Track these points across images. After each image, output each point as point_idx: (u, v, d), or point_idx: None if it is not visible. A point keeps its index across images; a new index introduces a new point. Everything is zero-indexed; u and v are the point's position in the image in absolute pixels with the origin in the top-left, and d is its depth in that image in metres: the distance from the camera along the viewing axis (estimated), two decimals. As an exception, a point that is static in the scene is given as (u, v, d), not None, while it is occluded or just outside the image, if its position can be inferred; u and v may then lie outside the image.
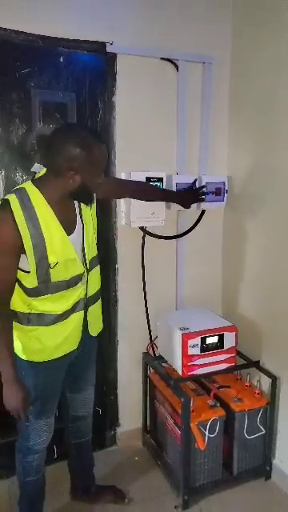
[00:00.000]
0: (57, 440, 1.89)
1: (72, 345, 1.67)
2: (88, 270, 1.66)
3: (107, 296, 2.25)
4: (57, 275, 1.51)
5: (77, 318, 1.65)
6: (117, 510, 2.02)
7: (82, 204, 1.63)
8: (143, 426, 2.46)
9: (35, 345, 1.59)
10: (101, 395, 2.22)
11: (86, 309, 1.68)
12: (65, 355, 1.66)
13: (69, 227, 1.55)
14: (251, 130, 2.22)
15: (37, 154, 2.00)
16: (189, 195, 2.16)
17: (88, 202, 1.61)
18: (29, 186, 1.49)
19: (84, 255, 1.63)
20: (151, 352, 2.38)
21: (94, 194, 1.64)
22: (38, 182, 1.51)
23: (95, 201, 1.72)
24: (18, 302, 1.55)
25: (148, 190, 2.09)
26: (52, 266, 1.49)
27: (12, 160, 1.98)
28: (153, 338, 2.38)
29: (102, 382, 2.30)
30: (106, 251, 2.21)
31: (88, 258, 1.65)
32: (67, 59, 2.00)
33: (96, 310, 1.78)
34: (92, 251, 1.69)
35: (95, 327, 1.78)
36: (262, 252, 2.21)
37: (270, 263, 2.16)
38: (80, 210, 1.63)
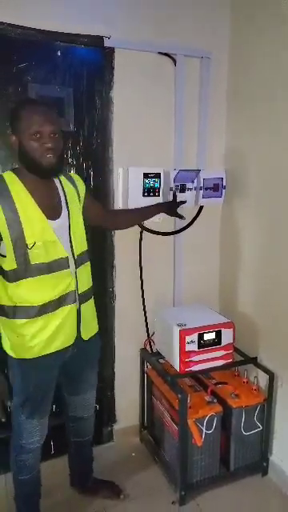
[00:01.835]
0: (55, 436, 1.89)
1: (64, 341, 1.63)
2: (76, 261, 1.63)
3: (104, 292, 2.25)
4: (36, 257, 1.51)
5: (67, 311, 1.61)
6: (114, 506, 2.02)
7: (67, 192, 1.64)
8: (140, 422, 2.46)
9: (23, 341, 1.56)
10: (98, 391, 2.20)
11: (78, 306, 1.66)
12: (57, 353, 1.62)
13: (51, 212, 1.56)
14: (249, 126, 2.21)
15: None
16: (172, 205, 2.13)
17: (43, 176, 1.54)
18: (7, 173, 1.56)
19: (71, 242, 1.61)
20: (148, 348, 2.38)
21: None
22: (16, 169, 1.58)
23: (82, 192, 1.73)
24: (2, 294, 1.56)
25: (137, 211, 2.05)
26: (30, 246, 1.49)
27: (8, 155, 1.97)
28: (150, 334, 2.38)
29: (99, 378, 2.27)
30: (104, 247, 2.21)
31: (75, 246, 1.62)
32: (64, 53, 1.99)
33: (88, 309, 1.74)
34: (80, 244, 1.67)
35: (88, 330, 1.73)
36: (260, 248, 2.21)
37: (268, 259, 2.15)
38: (65, 197, 1.63)
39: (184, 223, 2.33)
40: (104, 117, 2.11)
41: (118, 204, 2.19)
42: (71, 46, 1.99)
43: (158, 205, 2.07)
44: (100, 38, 2.01)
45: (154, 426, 2.35)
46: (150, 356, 2.32)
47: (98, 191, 2.14)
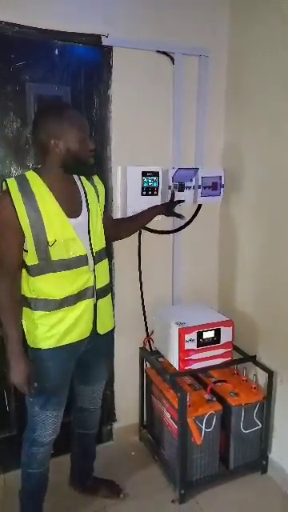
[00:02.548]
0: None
1: (80, 334, 1.67)
2: (95, 258, 1.67)
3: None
4: (57, 254, 1.56)
5: (84, 305, 1.66)
6: (113, 505, 2.02)
7: (87, 191, 1.68)
8: (140, 421, 2.46)
9: (42, 331, 1.61)
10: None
11: (96, 301, 1.70)
12: (72, 345, 1.66)
13: (72, 211, 1.60)
14: (248, 124, 2.21)
15: (32, 148, 1.99)
16: (170, 205, 2.10)
17: (88, 173, 1.70)
18: (29, 173, 1.59)
19: (90, 239, 1.65)
20: (148, 347, 2.38)
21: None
22: (38, 169, 1.61)
23: (101, 194, 1.77)
24: (26, 288, 1.61)
25: (136, 218, 2.03)
26: (50, 244, 1.54)
27: (7, 154, 1.97)
28: (149, 333, 2.38)
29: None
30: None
31: (94, 243, 1.66)
32: (62, 52, 1.98)
33: (106, 305, 1.78)
34: (99, 241, 1.71)
35: (104, 324, 1.77)
36: (259, 246, 2.21)
37: (267, 258, 2.15)
38: (85, 196, 1.67)
39: (183, 222, 2.33)
40: (102, 116, 2.11)
41: (117, 203, 2.19)
42: (69, 45, 1.98)
43: (155, 207, 2.07)
44: (98, 37, 2.00)
45: (153, 424, 2.36)
46: (149, 354, 2.32)
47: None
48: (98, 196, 1.74)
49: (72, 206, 1.61)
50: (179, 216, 2.08)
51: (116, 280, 2.28)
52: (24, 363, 1.60)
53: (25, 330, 1.65)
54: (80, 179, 1.70)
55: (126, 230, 2.04)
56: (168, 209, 2.07)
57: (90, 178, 1.74)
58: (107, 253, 2.20)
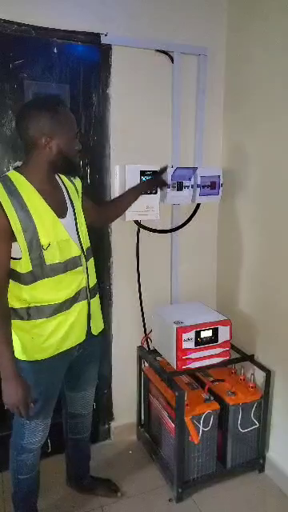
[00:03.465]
0: (52, 435, 1.88)
1: (76, 338, 1.64)
2: (86, 258, 1.64)
3: (101, 290, 2.24)
4: (51, 257, 1.50)
5: (79, 308, 1.61)
6: (111, 503, 2.02)
7: (70, 191, 1.64)
8: (137, 420, 2.46)
9: (38, 342, 1.54)
10: (95, 389, 2.21)
11: (88, 302, 1.66)
12: (68, 351, 1.63)
13: (59, 211, 1.55)
14: (247, 123, 2.21)
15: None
16: (153, 182, 2.11)
17: (74, 173, 1.65)
18: (11, 173, 1.51)
19: (79, 239, 1.61)
20: (145, 346, 2.38)
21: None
22: (20, 168, 1.53)
23: (79, 188, 1.73)
24: (14, 300, 1.52)
25: (124, 196, 2.02)
26: (45, 247, 1.47)
27: (5, 152, 1.97)
28: (147, 332, 2.38)
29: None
30: (101, 244, 2.20)
31: (83, 242, 1.63)
32: (61, 50, 1.98)
33: (97, 304, 1.76)
34: (87, 240, 1.68)
35: (96, 325, 1.75)
36: (257, 246, 2.21)
37: (265, 257, 2.15)
38: (69, 195, 1.63)
39: (181, 221, 2.33)
40: (101, 114, 2.10)
41: (115, 202, 2.19)
42: (68, 43, 1.98)
43: (141, 183, 2.05)
44: (97, 35, 1.99)
45: (151, 423, 2.36)
46: (147, 354, 2.32)
47: (95, 189, 2.14)
48: (77, 192, 1.70)
49: (59, 206, 1.55)
50: (164, 183, 2.10)
51: (114, 279, 2.28)
52: (19, 383, 1.50)
53: (18, 344, 1.54)
54: (60, 177, 1.64)
55: (115, 211, 2.01)
56: (154, 180, 2.07)
57: (68, 176, 1.69)
58: (105, 251, 2.23)
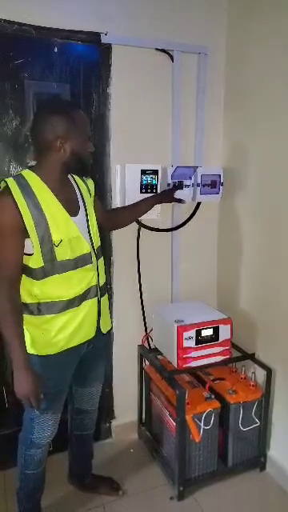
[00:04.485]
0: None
1: (85, 335, 1.66)
2: (96, 256, 1.67)
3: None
4: (62, 254, 1.53)
5: (89, 305, 1.64)
6: (112, 501, 2.03)
7: (81, 189, 1.67)
8: (138, 419, 2.47)
9: (48, 337, 1.58)
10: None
11: (99, 299, 1.69)
12: (77, 347, 1.65)
13: (72, 209, 1.59)
14: (247, 122, 2.21)
15: (31, 145, 1.98)
16: (169, 191, 2.15)
17: (86, 173, 1.69)
18: (26, 172, 1.55)
19: (90, 237, 1.64)
20: (146, 344, 2.39)
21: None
22: (34, 168, 1.57)
23: (92, 188, 1.77)
24: (26, 294, 1.56)
25: (135, 206, 2.03)
26: (57, 244, 1.51)
27: (6, 152, 1.97)
28: (148, 331, 2.38)
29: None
30: (101, 243, 2.19)
31: (94, 241, 1.66)
32: (61, 50, 1.98)
33: (106, 302, 1.78)
34: (98, 239, 1.71)
35: (105, 323, 1.77)
36: (258, 245, 2.21)
37: (266, 256, 2.16)
38: (81, 194, 1.66)
39: (182, 220, 2.34)
40: (101, 113, 2.11)
41: (116, 201, 2.19)
42: (68, 43, 1.98)
43: (154, 195, 2.09)
44: (97, 35, 2.00)
45: (152, 422, 2.36)
46: (147, 352, 2.32)
47: (96, 188, 2.13)
48: (89, 191, 1.74)
49: (71, 205, 1.60)
50: (180, 201, 2.13)
51: (115, 278, 2.28)
52: (30, 374, 1.52)
53: (28, 339, 1.57)
54: (73, 177, 1.68)
55: (123, 219, 2.04)
56: (168, 195, 2.10)
57: (81, 176, 1.73)
58: (106, 250, 2.23)
